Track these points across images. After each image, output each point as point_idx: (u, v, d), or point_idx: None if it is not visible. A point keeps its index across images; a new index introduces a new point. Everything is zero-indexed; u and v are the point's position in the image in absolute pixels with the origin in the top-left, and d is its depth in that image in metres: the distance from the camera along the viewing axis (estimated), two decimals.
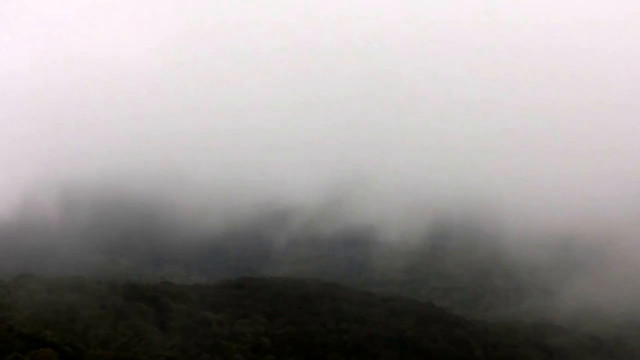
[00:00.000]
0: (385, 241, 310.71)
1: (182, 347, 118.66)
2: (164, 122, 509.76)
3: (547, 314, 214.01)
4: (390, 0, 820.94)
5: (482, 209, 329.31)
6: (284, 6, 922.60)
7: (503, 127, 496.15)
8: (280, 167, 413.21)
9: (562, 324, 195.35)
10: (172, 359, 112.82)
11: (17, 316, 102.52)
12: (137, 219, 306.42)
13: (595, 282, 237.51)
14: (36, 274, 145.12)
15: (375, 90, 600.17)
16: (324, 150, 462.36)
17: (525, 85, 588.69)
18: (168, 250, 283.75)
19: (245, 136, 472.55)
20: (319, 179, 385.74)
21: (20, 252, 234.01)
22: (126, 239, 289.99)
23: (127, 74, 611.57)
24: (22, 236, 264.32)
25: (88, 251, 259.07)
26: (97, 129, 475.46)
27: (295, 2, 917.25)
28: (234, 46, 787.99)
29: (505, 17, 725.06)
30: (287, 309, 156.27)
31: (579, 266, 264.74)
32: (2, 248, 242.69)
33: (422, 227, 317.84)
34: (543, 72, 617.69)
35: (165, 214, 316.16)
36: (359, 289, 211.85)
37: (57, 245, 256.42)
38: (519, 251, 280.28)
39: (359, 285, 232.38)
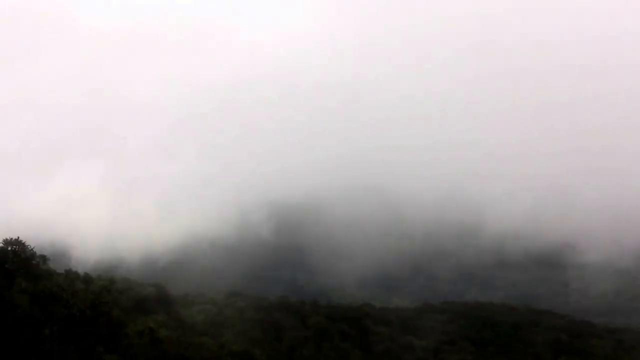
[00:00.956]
0: (586, 261, 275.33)
1: None
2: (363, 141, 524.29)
3: None
4: None
5: None
6: None
7: None
8: (476, 184, 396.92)
9: None
10: None
11: (227, 333, 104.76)
12: (336, 239, 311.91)
13: None
14: (245, 292, 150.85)
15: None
16: (519, 166, 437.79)
17: None
18: (370, 271, 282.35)
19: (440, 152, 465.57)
20: (513, 195, 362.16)
21: (234, 270, 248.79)
22: (326, 259, 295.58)
23: (332, 99, 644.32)
24: (236, 254, 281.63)
25: (291, 270, 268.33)
26: (306, 150, 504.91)
27: None
28: None
29: None
30: (497, 337, 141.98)
31: None
32: (218, 266, 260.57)
33: (631, 244, 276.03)
34: None
35: (363, 233, 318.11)
36: (577, 316, 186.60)
37: (264, 264, 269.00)
38: None
39: (573, 312, 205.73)
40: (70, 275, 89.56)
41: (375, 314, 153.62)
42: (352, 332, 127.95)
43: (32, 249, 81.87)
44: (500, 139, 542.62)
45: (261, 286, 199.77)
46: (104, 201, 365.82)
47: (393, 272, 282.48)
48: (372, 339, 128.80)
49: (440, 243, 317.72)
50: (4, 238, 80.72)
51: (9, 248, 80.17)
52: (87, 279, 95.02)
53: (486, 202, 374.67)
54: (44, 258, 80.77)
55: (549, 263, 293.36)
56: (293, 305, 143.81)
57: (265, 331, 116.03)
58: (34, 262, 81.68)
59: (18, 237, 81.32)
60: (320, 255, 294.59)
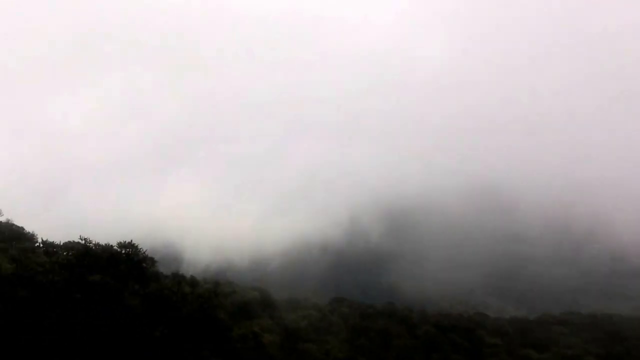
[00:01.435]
0: None
1: None
2: None
3: None
4: None
5: None
6: None
7: None
8: (599, 189, 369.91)
9: None
10: None
11: (332, 340, 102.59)
12: (447, 244, 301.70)
13: None
14: (349, 297, 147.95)
15: None
16: None
17: None
18: (483, 278, 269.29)
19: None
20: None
21: (339, 275, 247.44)
22: (436, 264, 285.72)
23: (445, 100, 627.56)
24: (343, 259, 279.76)
25: (399, 275, 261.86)
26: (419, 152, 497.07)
27: None
28: None
29: None
30: (627, 354, 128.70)
31: None
32: (325, 270, 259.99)
33: None
34: None
35: (474, 237, 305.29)
36: None
37: (371, 269, 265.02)
38: None
39: None
40: (177, 278, 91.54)
41: (489, 324, 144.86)
42: (464, 343, 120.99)
43: (144, 252, 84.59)
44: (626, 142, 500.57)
45: (366, 292, 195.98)
46: (215, 204, 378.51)
47: (507, 279, 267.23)
48: (486, 351, 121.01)
49: (558, 248, 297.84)
50: (119, 241, 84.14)
51: (123, 251, 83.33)
52: (193, 282, 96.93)
53: (608, 205, 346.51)
54: (152, 261, 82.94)
55: None
56: (400, 312, 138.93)
57: (371, 339, 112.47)
58: (144, 264, 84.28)
59: (131, 240, 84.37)
60: (430, 260, 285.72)
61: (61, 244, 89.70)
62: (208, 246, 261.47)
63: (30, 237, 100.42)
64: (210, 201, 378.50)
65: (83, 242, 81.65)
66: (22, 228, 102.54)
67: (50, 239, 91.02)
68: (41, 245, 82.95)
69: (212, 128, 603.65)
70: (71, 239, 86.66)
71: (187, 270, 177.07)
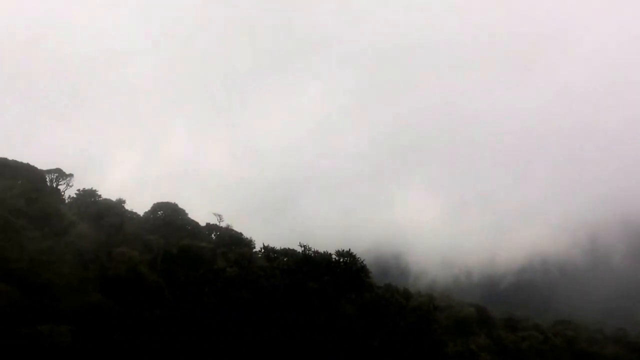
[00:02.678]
0: None
1: None
2: None
3: None
4: None
5: None
6: None
7: None
8: None
9: None
10: None
11: None
12: None
13: None
14: (575, 320, 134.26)
15: None
16: None
17: None
18: None
19: None
20: None
21: (570, 297, 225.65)
22: None
23: None
24: (580, 281, 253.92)
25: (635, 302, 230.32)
26: None
27: None
28: None
29: None
30: None
31: None
32: (551, 291, 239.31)
33: None
34: None
35: None
36: None
37: (607, 293, 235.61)
38: None
39: None
40: (390, 289, 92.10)
41: None
42: None
43: (362, 262, 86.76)
44: None
45: (598, 316, 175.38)
46: (446, 216, 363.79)
47: None
48: None
49: None
50: (337, 249, 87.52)
51: (341, 259, 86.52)
52: (406, 294, 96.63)
53: None
54: (367, 271, 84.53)
55: None
56: (632, 339, 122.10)
57: None
58: (362, 274, 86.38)
59: (349, 250, 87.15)
60: None
61: (279, 249, 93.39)
62: (436, 259, 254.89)
63: (248, 243, 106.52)
64: (442, 213, 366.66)
65: (302, 249, 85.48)
66: (241, 234, 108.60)
67: (271, 245, 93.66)
68: (262, 250, 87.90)
69: (453, 135, 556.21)
70: (290, 247, 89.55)
71: (414, 284, 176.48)
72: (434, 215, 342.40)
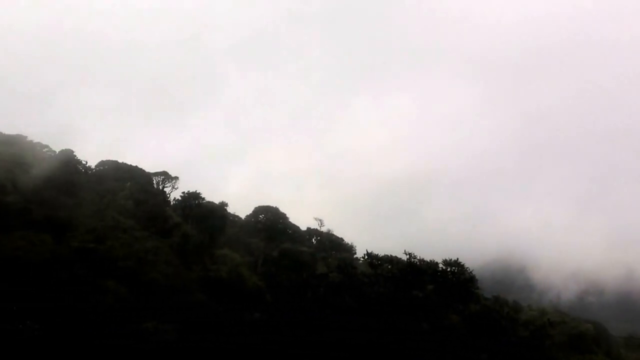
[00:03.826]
0: None
1: None
2: None
3: None
4: None
5: None
6: None
7: None
8: None
9: None
10: None
11: None
12: None
13: None
14: None
15: None
16: None
17: None
18: None
19: None
20: None
21: None
22: None
23: None
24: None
25: None
26: None
27: None
28: None
29: None
30: None
31: None
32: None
33: None
34: None
35: None
36: None
37: None
38: None
39: None
40: (499, 301, 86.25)
41: None
42: None
43: (470, 272, 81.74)
44: None
45: None
46: (571, 225, 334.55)
47: None
48: None
49: None
50: (444, 259, 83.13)
51: (448, 269, 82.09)
52: (515, 307, 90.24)
53: None
54: (474, 281, 79.62)
55: None
56: None
57: None
58: (469, 285, 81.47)
59: (457, 259, 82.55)
60: None
61: (382, 256, 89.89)
62: (562, 274, 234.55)
63: (349, 248, 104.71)
64: (572, 220, 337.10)
65: (407, 256, 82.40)
66: (342, 239, 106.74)
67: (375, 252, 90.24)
68: (365, 257, 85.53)
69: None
70: (394, 254, 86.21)
71: (538, 299, 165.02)
72: (564, 223, 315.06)
